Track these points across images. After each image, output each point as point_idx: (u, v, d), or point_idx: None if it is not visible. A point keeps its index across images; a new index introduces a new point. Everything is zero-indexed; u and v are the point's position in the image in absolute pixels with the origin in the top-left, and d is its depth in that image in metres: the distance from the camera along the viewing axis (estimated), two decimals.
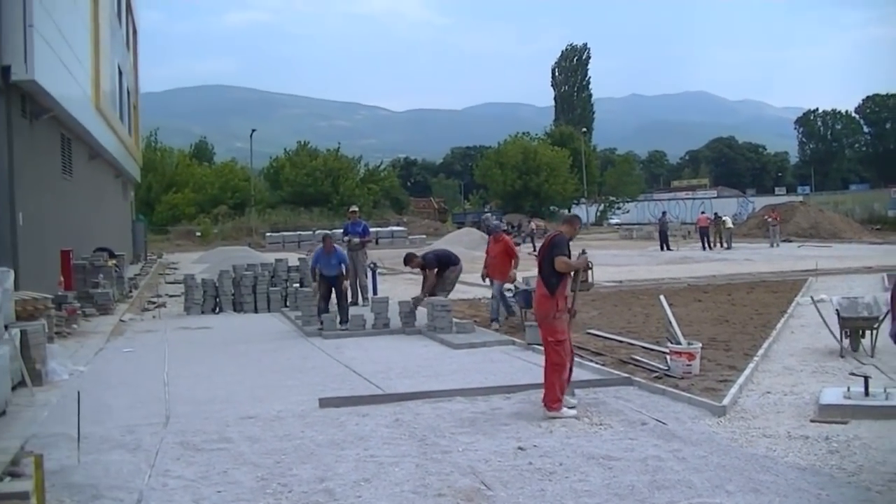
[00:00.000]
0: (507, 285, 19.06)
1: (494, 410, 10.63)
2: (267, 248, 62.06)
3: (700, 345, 12.88)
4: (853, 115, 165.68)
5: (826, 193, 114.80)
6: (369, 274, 24.78)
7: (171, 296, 28.42)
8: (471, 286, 23.96)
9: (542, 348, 11.24)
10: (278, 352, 16.42)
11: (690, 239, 59.43)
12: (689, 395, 10.89)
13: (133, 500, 7.53)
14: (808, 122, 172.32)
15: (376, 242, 57.04)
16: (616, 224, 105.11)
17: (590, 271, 11.46)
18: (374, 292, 24.05)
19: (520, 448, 8.86)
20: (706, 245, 50.32)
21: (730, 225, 52.93)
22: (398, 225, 78.88)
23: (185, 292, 24.31)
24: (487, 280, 19.14)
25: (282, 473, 8.17)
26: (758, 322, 17.85)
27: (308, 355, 15.89)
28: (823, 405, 9.99)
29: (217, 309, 24.00)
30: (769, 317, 18.54)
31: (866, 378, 10.25)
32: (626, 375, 12.30)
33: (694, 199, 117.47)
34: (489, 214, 69.93)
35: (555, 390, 10.42)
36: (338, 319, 18.82)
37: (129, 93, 47.41)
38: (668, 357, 12.74)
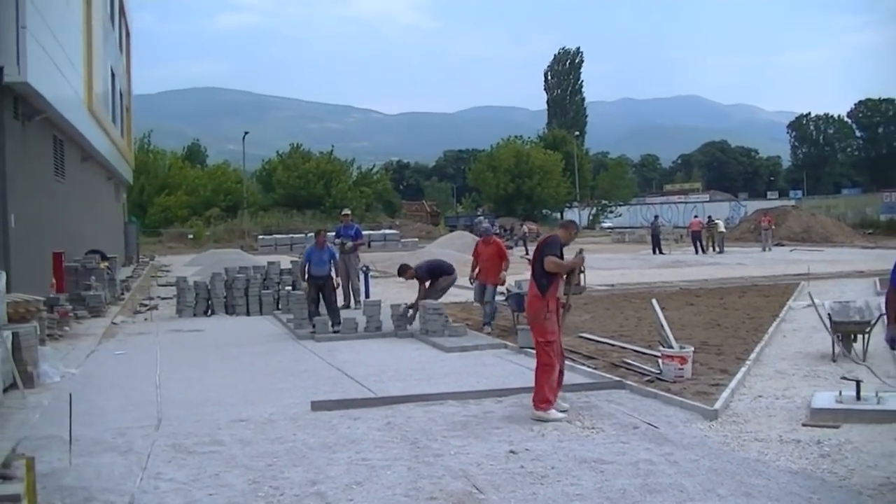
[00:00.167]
0: (500, 288, 19.06)
1: (486, 414, 10.63)
2: (259, 251, 61.94)
3: (692, 348, 12.89)
4: (845, 119, 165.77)
5: (818, 197, 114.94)
6: (361, 277, 24.77)
7: (163, 298, 28.38)
8: (463, 290, 23.98)
9: (534, 352, 11.24)
10: (270, 355, 16.41)
11: (683, 243, 59.47)
12: (680, 398, 10.90)
13: (124, 503, 7.53)
14: (800, 127, 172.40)
15: (369, 246, 57.02)
16: (608, 228, 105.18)
17: (582, 274, 11.48)
18: (367, 295, 24.03)
19: (511, 451, 8.87)
20: (698, 249, 50.36)
21: (722, 229, 52.94)
22: (390, 228, 78.83)
23: (177, 295, 24.28)
24: (475, 283, 19.03)
25: (273, 476, 8.17)
26: (750, 326, 17.86)
27: (300, 358, 15.88)
28: (815, 409, 10.01)
29: (209, 311, 23.97)
30: (761, 321, 18.55)
31: (858, 382, 10.27)
32: (618, 379, 12.31)
33: (686, 202, 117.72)
34: (482, 218, 69.88)
35: (543, 391, 10.43)
36: (330, 322, 18.80)
37: (121, 95, 47.38)
38: (660, 361, 12.75)
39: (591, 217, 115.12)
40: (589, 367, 13.45)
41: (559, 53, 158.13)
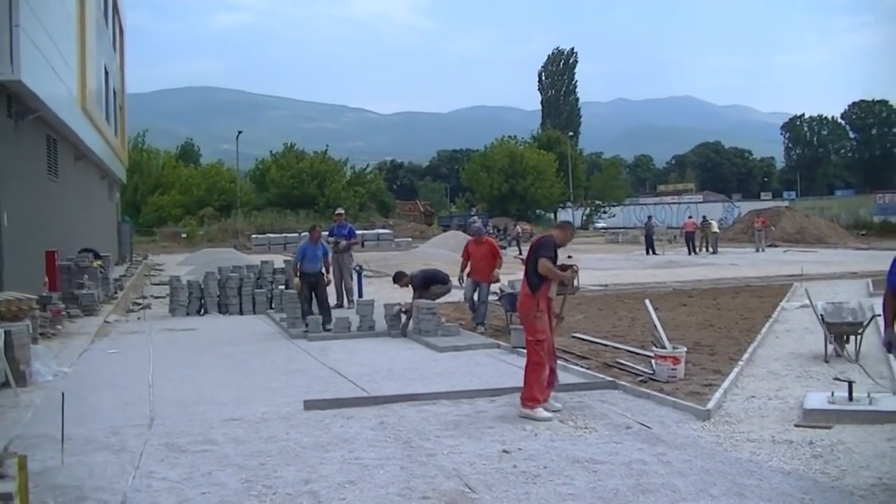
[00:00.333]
0: (493, 287, 19.06)
1: (479, 413, 10.63)
2: (252, 250, 61.92)
3: (685, 349, 12.91)
4: (839, 120, 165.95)
5: (812, 199, 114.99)
6: (355, 277, 24.77)
7: (157, 297, 28.35)
8: (456, 289, 23.97)
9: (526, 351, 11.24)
10: (263, 354, 16.39)
11: (676, 243, 59.57)
12: (673, 399, 10.91)
13: (117, 502, 7.51)
14: (794, 128, 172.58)
15: (362, 245, 57.04)
16: (602, 228, 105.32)
17: (575, 275, 11.46)
18: (360, 295, 24.02)
19: (504, 451, 8.87)
20: (692, 250, 50.42)
21: (716, 229, 53.02)
22: (384, 228, 78.83)
23: (171, 294, 24.25)
24: (464, 282, 18.96)
25: (266, 475, 8.16)
26: (743, 326, 17.88)
27: (293, 357, 15.87)
28: (808, 410, 10.02)
29: (202, 310, 23.94)
30: (754, 321, 18.56)
31: (850, 383, 10.27)
32: (610, 379, 12.31)
33: (680, 203, 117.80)
34: (476, 217, 69.95)
35: (532, 389, 10.44)
36: (321, 321, 18.81)
37: (115, 93, 47.34)
38: (653, 361, 12.75)
39: (584, 217, 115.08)
40: (582, 367, 13.45)
41: (553, 54, 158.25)
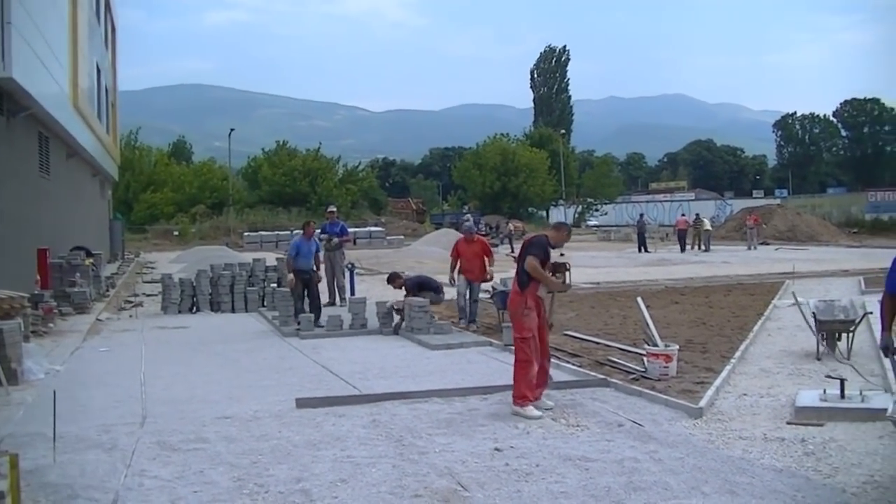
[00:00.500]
0: (485, 286, 19.06)
1: (471, 411, 10.63)
2: (245, 248, 61.92)
3: (677, 347, 12.92)
4: (831, 118, 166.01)
5: (804, 197, 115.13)
6: (347, 274, 24.76)
7: (149, 295, 28.31)
8: (447, 286, 23.96)
9: None
10: (255, 352, 16.38)
11: (668, 241, 59.63)
12: (665, 396, 10.92)
13: (109, 500, 7.50)
14: (786, 126, 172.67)
15: (354, 243, 56.98)
16: (594, 226, 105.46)
17: (568, 273, 11.45)
18: (352, 293, 24.02)
19: (496, 449, 8.87)
20: (684, 247, 50.47)
21: (708, 227, 53.09)
22: (376, 225, 78.79)
23: (163, 292, 24.23)
24: (455, 282, 18.92)
25: (258, 474, 8.15)
26: (735, 324, 17.90)
27: (285, 355, 15.86)
28: (799, 407, 10.03)
29: (194, 308, 23.92)
30: (746, 319, 18.59)
31: (842, 381, 10.29)
32: (602, 377, 12.32)
33: (672, 201, 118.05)
34: (469, 216, 69.99)
35: (521, 387, 10.45)
36: (313, 319, 18.81)
37: (107, 91, 47.26)
38: (645, 359, 12.77)
39: (576, 215, 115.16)
40: (574, 364, 13.46)
41: (545, 52, 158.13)
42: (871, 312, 15.72)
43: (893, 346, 7.89)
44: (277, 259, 28.64)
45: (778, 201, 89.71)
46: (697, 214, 57.23)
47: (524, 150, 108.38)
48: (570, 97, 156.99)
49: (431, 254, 44.05)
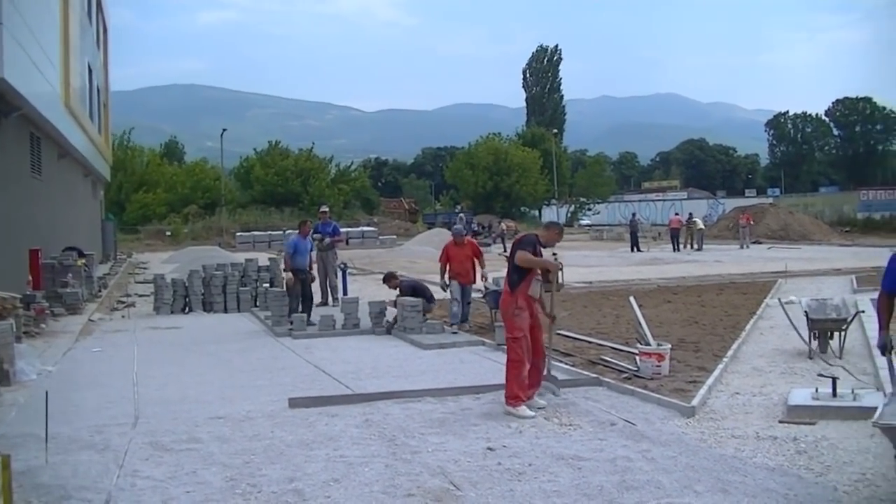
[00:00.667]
0: (479, 286, 19.07)
1: (464, 411, 10.64)
2: (237, 248, 61.83)
3: (669, 346, 12.93)
4: (823, 118, 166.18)
5: (796, 195, 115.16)
6: (339, 274, 24.75)
7: (141, 295, 28.27)
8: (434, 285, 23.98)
9: None
10: (248, 352, 16.38)
11: (661, 240, 59.67)
12: (658, 395, 10.93)
13: (101, 501, 7.50)
14: (778, 125, 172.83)
15: (347, 243, 57.00)
16: (587, 225, 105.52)
17: (560, 272, 11.45)
18: (345, 293, 24.01)
19: (489, 448, 8.87)
20: (676, 246, 50.51)
21: (701, 226, 53.14)
22: (369, 225, 78.71)
23: (155, 292, 24.20)
24: (451, 285, 18.87)
25: (251, 474, 8.15)
26: (727, 323, 17.93)
27: (278, 355, 15.86)
28: (792, 406, 10.05)
29: (187, 309, 23.91)
30: (738, 318, 18.61)
31: (834, 379, 10.31)
32: (595, 376, 12.33)
33: (664, 200, 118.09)
34: (462, 216, 69.95)
35: (513, 387, 10.46)
36: (306, 318, 18.83)
37: (99, 91, 47.21)
38: (637, 358, 12.78)
39: (569, 214, 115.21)
40: (566, 364, 13.47)
41: (537, 51, 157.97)
42: (864, 311, 15.80)
43: (891, 344, 7.91)
44: (270, 259, 28.66)
45: (770, 200, 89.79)
46: (690, 214, 57.28)
47: (516, 149, 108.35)
48: (562, 96, 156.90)
49: (424, 253, 44.09)
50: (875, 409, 7.40)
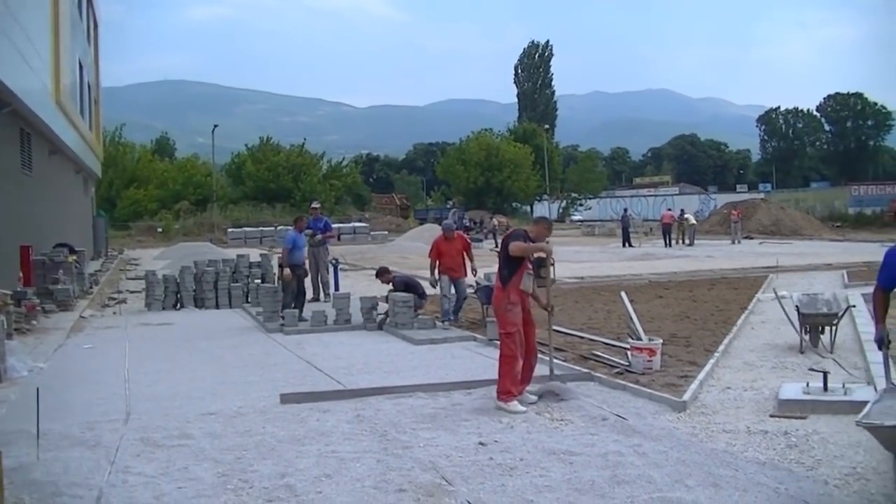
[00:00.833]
0: (470, 280, 19.07)
1: (455, 406, 10.64)
2: (229, 244, 61.71)
3: (661, 341, 12.96)
4: (814, 113, 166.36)
5: (787, 191, 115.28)
6: (331, 270, 24.75)
7: (132, 292, 28.22)
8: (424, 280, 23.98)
9: None
10: (239, 348, 16.37)
11: (652, 235, 59.74)
12: (649, 390, 10.94)
13: (93, 497, 7.49)
14: (769, 121, 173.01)
15: (338, 239, 56.96)
16: (578, 221, 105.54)
17: (552, 267, 11.45)
18: (336, 288, 24.00)
19: (481, 443, 8.88)
20: (668, 242, 50.57)
21: (693, 222, 53.20)
22: (360, 221, 78.68)
23: (147, 288, 24.18)
24: (439, 283, 18.84)
25: (242, 469, 8.15)
26: (718, 318, 17.94)
27: (269, 351, 15.86)
28: (783, 400, 10.06)
29: (178, 305, 23.89)
30: (730, 313, 18.63)
31: (825, 374, 10.32)
32: (587, 371, 12.35)
33: (656, 195, 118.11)
34: (454, 211, 69.92)
35: (505, 382, 10.46)
36: (298, 313, 18.84)
37: (89, 87, 47.13)
38: (629, 353, 12.79)
39: (560, 210, 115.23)
40: (558, 359, 13.44)
41: (529, 47, 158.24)
42: (854, 306, 15.84)
43: (888, 338, 7.92)
44: (262, 255, 28.62)
45: (762, 195, 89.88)
46: (682, 210, 57.30)
47: (508, 145, 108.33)
48: (554, 92, 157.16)
49: (415, 249, 44.08)
50: (866, 403, 7.42)
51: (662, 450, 8.50)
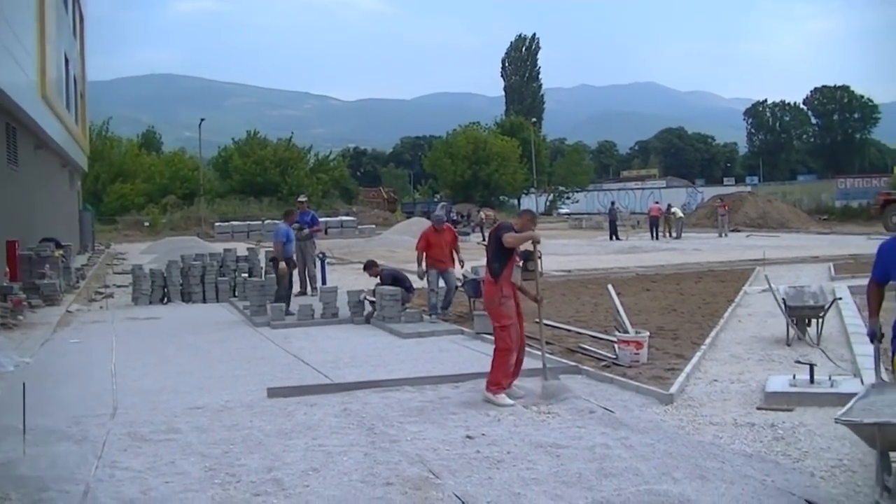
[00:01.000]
0: (457, 273, 19.08)
1: (443, 399, 10.64)
2: (216, 238, 61.72)
3: (648, 334, 12.96)
4: (801, 106, 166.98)
5: (774, 184, 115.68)
6: (318, 264, 24.73)
7: (119, 286, 28.17)
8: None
9: (490, 337, 11.24)
10: (227, 342, 16.36)
11: (640, 229, 59.82)
12: (636, 383, 10.95)
13: (80, 492, 7.46)
14: (756, 114, 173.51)
15: (326, 233, 56.92)
16: (566, 214, 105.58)
17: (539, 260, 11.46)
18: (323, 282, 23.99)
19: (468, 436, 8.88)
20: (655, 235, 50.65)
21: (680, 215, 53.28)
22: (347, 215, 78.66)
23: (133, 283, 24.16)
24: (429, 273, 18.81)
25: (230, 463, 8.14)
26: (705, 311, 17.97)
27: (256, 345, 15.85)
28: (769, 393, 10.08)
29: (165, 299, 23.88)
30: (717, 306, 18.66)
31: (811, 366, 10.35)
32: (574, 364, 12.37)
33: (643, 189, 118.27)
34: (444, 204, 69.96)
35: (497, 374, 10.46)
36: (284, 307, 18.83)
37: (76, 81, 46.98)
38: (616, 346, 12.81)
39: (548, 203, 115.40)
40: (546, 352, 13.47)
41: (516, 40, 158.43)
42: (841, 298, 15.88)
43: (881, 332, 7.93)
44: (248, 249, 28.60)
45: (749, 189, 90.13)
46: (669, 205, 57.33)
47: (495, 138, 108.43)
48: (541, 85, 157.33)
49: (402, 243, 44.04)
50: (852, 395, 7.43)
51: (649, 442, 8.51)
